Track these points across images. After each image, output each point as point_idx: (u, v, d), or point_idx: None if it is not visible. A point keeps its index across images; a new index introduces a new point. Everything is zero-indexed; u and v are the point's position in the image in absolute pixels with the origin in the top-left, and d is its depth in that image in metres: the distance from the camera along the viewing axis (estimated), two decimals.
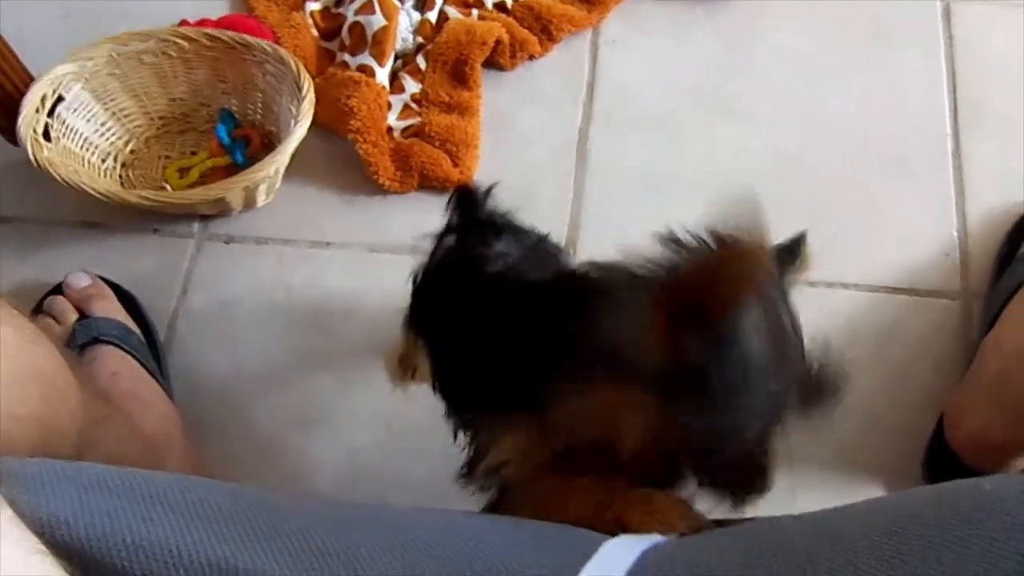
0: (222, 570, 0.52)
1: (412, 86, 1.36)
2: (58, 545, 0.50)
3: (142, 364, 1.09)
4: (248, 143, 1.30)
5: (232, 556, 0.52)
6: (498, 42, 1.37)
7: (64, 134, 1.23)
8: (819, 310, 1.18)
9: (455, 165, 1.28)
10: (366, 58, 1.34)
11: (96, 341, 1.08)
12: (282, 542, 0.55)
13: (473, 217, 0.87)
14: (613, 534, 0.64)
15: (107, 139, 1.30)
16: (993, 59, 1.38)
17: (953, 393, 1.08)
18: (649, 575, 0.58)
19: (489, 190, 0.88)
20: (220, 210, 1.25)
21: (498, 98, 1.37)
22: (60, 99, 1.23)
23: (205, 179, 1.28)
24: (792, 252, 0.71)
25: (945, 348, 1.16)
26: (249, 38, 1.26)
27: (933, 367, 1.15)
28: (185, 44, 1.27)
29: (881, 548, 0.54)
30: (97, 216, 1.27)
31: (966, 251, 1.23)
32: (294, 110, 1.20)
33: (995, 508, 0.53)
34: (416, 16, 1.41)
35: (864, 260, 1.22)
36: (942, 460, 1.04)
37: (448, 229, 0.88)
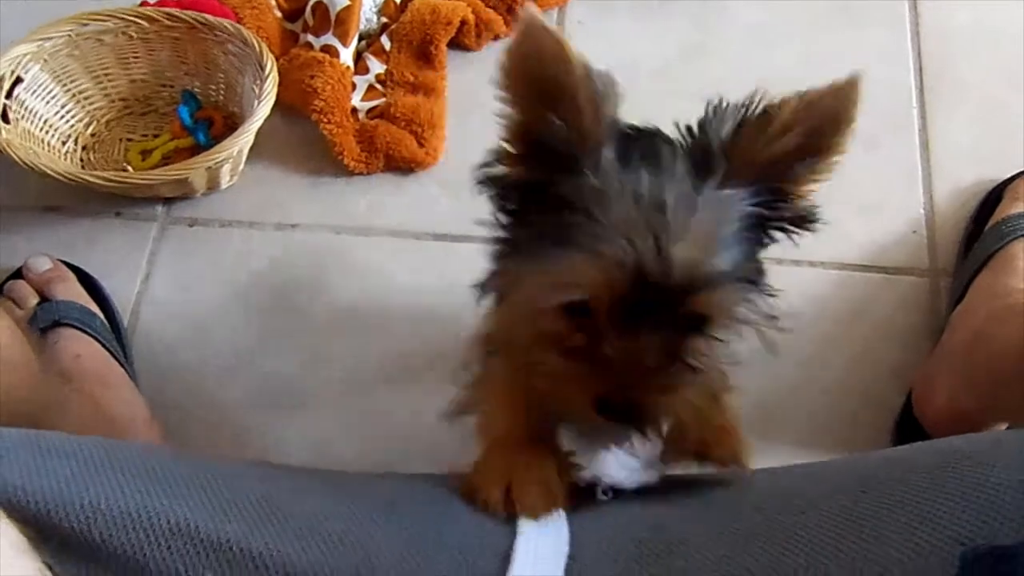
0: (182, 531, 0.51)
1: (377, 67, 1.35)
2: (15, 509, 0.49)
3: (105, 347, 1.08)
4: (211, 124, 1.29)
5: (192, 518, 0.52)
6: (463, 22, 1.36)
7: (23, 116, 1.21)
8: (786, 288, 1.17)
9: (421, 146, 1.27)
10: (330, 39, 1.32)
11: (58, 324, 1.07)
12: (242, 505, 0.54)
13: None
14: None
15: (67, 121, 1.28)
16: (959, 34, 1.39)
17: (922, 367, 1.09)
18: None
19: None
20: (183, 192, 1.23)
21: (464, 79, 1.36)
22: (19, 80, 1.21)
23: (168, 161, 1.26)
24: None
25: (913, 324, 1.16)
26: (211, 18, 1.25)
27: (902, 343, 1.15)
28: (146, 24, 1.25)
29: (850, 511, 0.54)
30: (59, 200, 1.25)
31: (934, 228, 1.23)
32: (257, 90, 1.19)
33: (966, 462, 0.53)
34: None
35: (832, 238, 1.21)
36: (911, 434, 1.05)
37: None
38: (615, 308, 0.62)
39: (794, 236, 0.70)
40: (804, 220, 0.69)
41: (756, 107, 0.65)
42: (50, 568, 0.48)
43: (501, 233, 0.72)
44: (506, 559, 0.55)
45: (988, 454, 0.53)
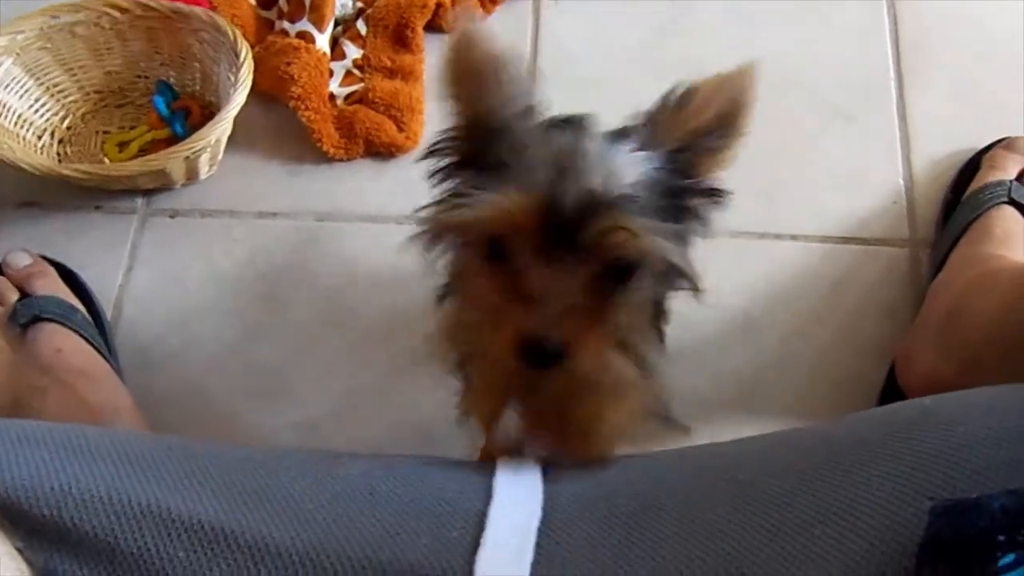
0: (152, 513, 0.51)
1: (354, 52, 1.34)
2: None
3: (87, 341, 1.08)
4: (188, 114, 1.28)
5: (164, 499, 0.52)
6: (439, 5, 1.35)
7: None
8: (768, 262, 1.18)
9: (400, 130, 1.26)
10: (305, 25, 1.32)
11: (38, 319, 1.06)
12: (213, 485, 0.55)
13: None
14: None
15: (42, 115, 1.28)
16: (934, 8, 1.39)
17: (903, 339, 1.09)
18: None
19: None
20: (162, 183, 1.23)
21: (441, 62, 1.36)
22: None
23: (145, 153, 1.25)
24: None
25: (894, 295, 1.17)
26: (183, 6, 1.24)
27: (883, 315, 1.15)
28: (118, 14, 1.25)
29: (822, 470, 0.55)
30: (37, 195, 1.24)
31: (913, 199, 1.23)
32: (233, 78, 1.18)
33: (933, 421, 0.55)
34: None
35: (812, 210, 1.22)
36: None
37: None
38: (530, 241, 0.64)
39: (704, 213, 0.73)
40: (712, 193, 0.72)
41: (677, 90, 0.70)
42: (20, 552, 0.48)
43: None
44: (480, 522, 0.56)
45: (954, 413, 0.55)
